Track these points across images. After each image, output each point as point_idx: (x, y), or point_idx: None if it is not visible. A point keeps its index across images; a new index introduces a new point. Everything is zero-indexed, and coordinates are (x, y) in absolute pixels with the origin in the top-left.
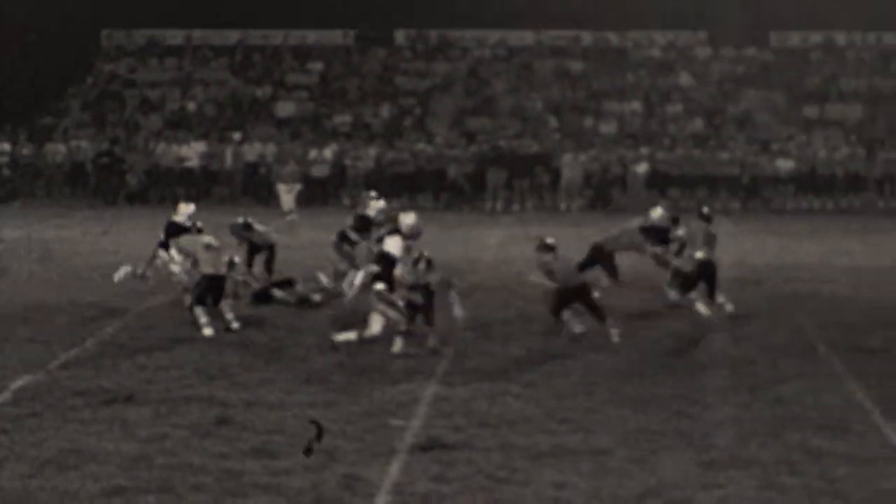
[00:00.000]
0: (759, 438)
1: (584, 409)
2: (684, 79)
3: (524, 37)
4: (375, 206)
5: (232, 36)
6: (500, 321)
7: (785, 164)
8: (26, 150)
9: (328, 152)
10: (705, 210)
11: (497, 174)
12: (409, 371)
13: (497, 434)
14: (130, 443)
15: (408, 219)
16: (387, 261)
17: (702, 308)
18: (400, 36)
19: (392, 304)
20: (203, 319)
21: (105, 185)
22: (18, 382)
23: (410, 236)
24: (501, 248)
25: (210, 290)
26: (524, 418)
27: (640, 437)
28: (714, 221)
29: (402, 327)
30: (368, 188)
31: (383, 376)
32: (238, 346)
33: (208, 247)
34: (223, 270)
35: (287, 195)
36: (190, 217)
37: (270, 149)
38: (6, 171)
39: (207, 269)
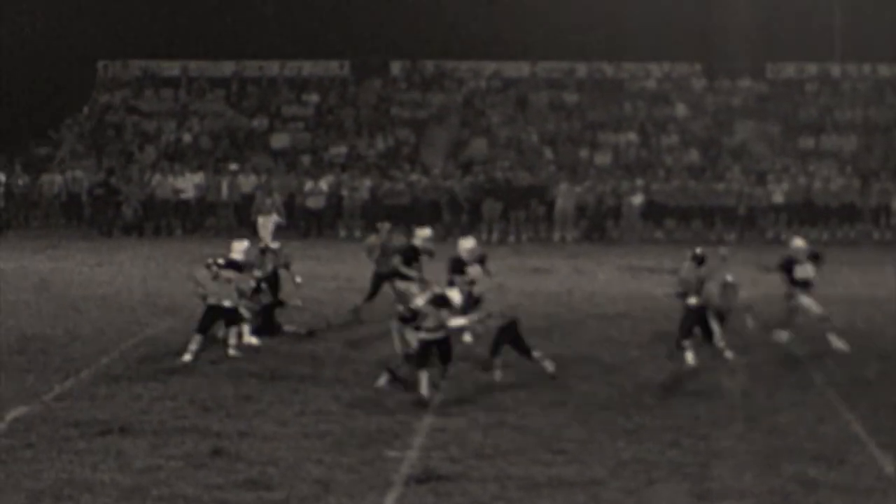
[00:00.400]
0: (754, 469)
1: (579, 440)
2: (680, 110)
3: (520, 68)
4: (422, 235)
5: (228, 67)
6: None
7: (777, 189)
8: (21, 181)
9: (324, 183)
10: (698, 251)
11: (492, 205)
12: (404, 402)
13: (493, 465)
14: (125, 474)
15: (467, 243)
16: (441, 302)
17: (689, 357)
18: (395, 67)
19: (408, 344)
20: (192, 346)
21: (101, 216)
22: (13, 413)
23: (471, 260)
24: (496, 278)
25: (214, 319)
26: (519, 449)
27: (634, 468)
28: (707, 263)
29: (395, 367)
30: (374, 220)
31: (379, 407)
32: (233, 377)
33: (216, 277)
34: (229, 302)
35: (264, 228)
36: (245, 253)
37: (266, 180)
38: (0, 202)
39: (212, 299)
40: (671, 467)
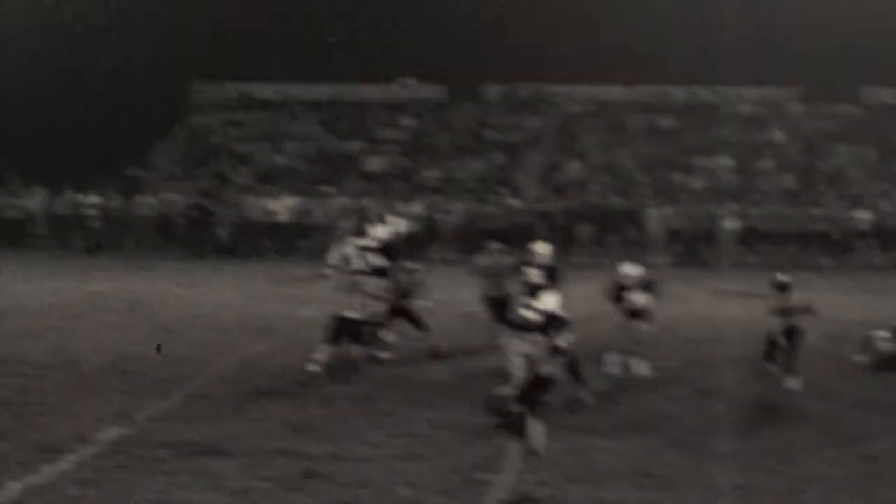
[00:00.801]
0: (847, 495)
1: (671, 465)
2: (775, 134)
3: (615, 92)
4: (541, 251)
5: (322, 90)
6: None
7: (864, 216)
8: (116, 203)
9: (418, 207)
10: (781, 277)
11: (586, 229)
12: (497, 426)
13: (584, 489)
14: (218, 496)
15: (631, 269)
16: (558, 323)
17: (793, 383)
18: (491, 91)
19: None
20: (317, 356)
21: (194, 237)
22: (107, 434)
23: (633, 286)
24: (591, 303)
25: (343, 332)
26: (612, 473)
27: (727, 493)
28: (789, 290)
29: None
30: (468, 244)
31: (471, 431)
32: (325, 399)
33: (352, 287)
34: (357, 315)
35: (335, 251)
36: (393, 233)
37: (360, 203)
38: (96, 224)
39: (341, 309)
40: (762, 492)
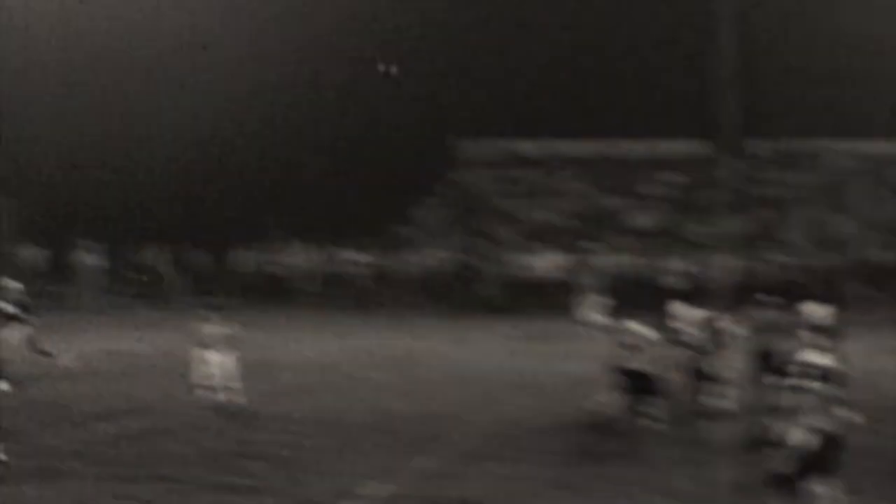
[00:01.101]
0: None
1: None
2: None
3: (884, 146)
4: (815, 309)
5: (587, 147)
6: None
7: None
8: (380, 260)
9: (684, 263)
10: None
11: (855, 285)
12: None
13: None
14: None
15: None
16: (834, 382)
17: None
18: (757, 146)
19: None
20: (593, 406)
21: (458, 294)
22: (368, 490)
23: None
24: (861, 359)
25: (628, 384)
26: None
27: None
28: None
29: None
30: (739, 300)
31: (739, 489)
32: (590, 455)
33: (632, 338)
34: (644, 367)
35: (583, 306)
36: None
37: (626, 260)
38: (361, 281)
39: (625, 362)
40: None
